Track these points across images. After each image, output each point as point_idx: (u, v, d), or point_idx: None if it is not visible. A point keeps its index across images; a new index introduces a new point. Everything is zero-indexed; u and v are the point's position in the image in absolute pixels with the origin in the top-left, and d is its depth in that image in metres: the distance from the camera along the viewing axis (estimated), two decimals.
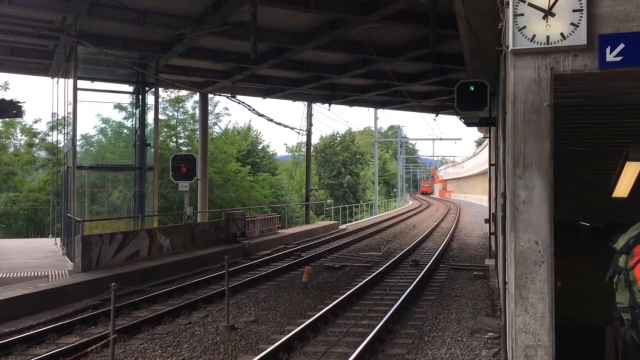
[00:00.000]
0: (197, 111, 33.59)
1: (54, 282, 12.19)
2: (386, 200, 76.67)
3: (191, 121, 40.27)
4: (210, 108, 38.17)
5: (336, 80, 22.93)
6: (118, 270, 13.97)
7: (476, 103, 12.71)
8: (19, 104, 11.66)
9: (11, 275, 13.19)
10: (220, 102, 58.57)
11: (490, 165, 17.27)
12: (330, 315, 10.81)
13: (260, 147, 52.52)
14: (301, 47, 16.77)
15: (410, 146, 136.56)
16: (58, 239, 19.80)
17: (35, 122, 46.18)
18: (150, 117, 19.85)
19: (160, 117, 29.53)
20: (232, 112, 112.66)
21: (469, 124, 16.53)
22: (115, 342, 7.70)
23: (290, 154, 64.77)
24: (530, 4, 5.27)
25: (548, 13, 5.23)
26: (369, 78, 22.14)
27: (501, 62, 7.81)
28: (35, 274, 13.28)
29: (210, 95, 27.42)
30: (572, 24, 5.17)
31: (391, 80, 21.02)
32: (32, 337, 9.15)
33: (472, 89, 12.65)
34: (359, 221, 41.33)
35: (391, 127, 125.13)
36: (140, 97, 19.69)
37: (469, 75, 15.74)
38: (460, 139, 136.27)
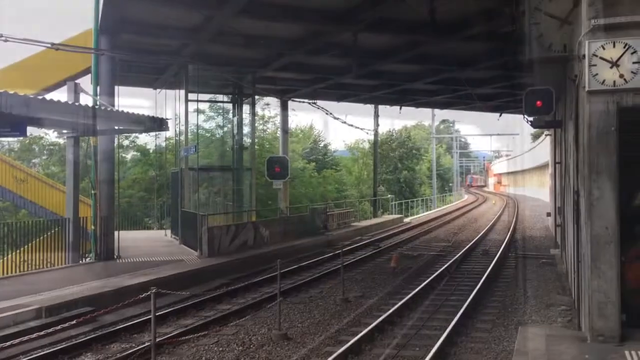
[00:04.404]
0: (265, 112, 36.80)
1: (193, 265, 14.92)
2: (441, 194, 77.89)
3: (260, 121, 43.10)
4: (277, 110, 40.93)
5: (408, 86, 25.04)
6: (235, 256, 16.64)
7: (543, 108, 14.43)
8: (166, 120, 14.42)
9: (154, 259, 16.00)
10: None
11: (556, 163, 18.85)
12: (423, 292, 13.02)
13: (322, 145, 54.94)
14: (383, 62, 19.02)
15: (463, 140, 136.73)
16: (167, 231, 22.76)
17: None
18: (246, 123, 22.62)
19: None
20: (285, 110, 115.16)
21: (535, 126, 18.24)
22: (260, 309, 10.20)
23: (345, 150, 67.21)
24: (601, 58, 7.41)
25: (614, 64, 7.34)
26: (438, 84, 24.15)
27: (573, 88, 9.79)
28: (171, 259, 16.05)
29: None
30: (632, 72, 7.29)
31: (459, 85, 23.01)
32: (201, 302, 11.83)
33: (540, 95, 14.32)
34: (420, 215, 43.18)
35: (443, 121, 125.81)
36: (237, 106, 22.40)
37: (535, 81, 17.50)
38: (518, 134, 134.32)
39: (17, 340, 8.52)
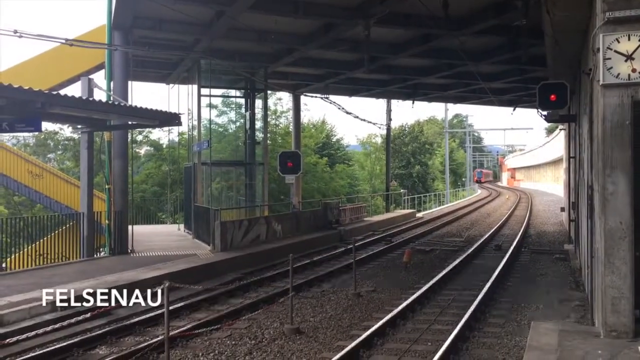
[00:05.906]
0: (277, 106, 36.90)
1: (206, 259, 15.01)
2: (454, 189, 77.58)
3: (273, 116, 43.20)
4: (288, 104, 40.99)
5: (420, 80, 24.94)
6: (248, 250, 16.71)
7: (557, 102, 14.28)
8: (179, 115, 14.50)
9: (168, 254, 16.13)
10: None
11: (570, 158, 18.69)
12: (436, 287, 13.01)
13: (334, 140, 54.97)
14: (395, 56, 18.95)
15: (476, 134, 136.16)
16: (181, 225, 22.90)
17: None
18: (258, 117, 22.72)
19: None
20: (297, 105, 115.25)
21: (549, 120, 18.02)
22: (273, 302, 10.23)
23: (358, 144, 67.22)
24: (616, 51, 7.32)
25: (629, 57, 7.26)
26: (451, 78, 24.03)
27: (588, 82, 9.72)
28: (184, 253, 16.16)
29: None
30: None
31: (472, 79, 22.87)
32: (214, 296, 11.91)
33: (554, 89, 14.16)
34: (433, 210, 43.05)
35: (456, 116, 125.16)
36: (249, 100, 22.47)
37: (549, 75, 17.38)
38: (532, 129, 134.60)
39: (32, 333, 8.64)
